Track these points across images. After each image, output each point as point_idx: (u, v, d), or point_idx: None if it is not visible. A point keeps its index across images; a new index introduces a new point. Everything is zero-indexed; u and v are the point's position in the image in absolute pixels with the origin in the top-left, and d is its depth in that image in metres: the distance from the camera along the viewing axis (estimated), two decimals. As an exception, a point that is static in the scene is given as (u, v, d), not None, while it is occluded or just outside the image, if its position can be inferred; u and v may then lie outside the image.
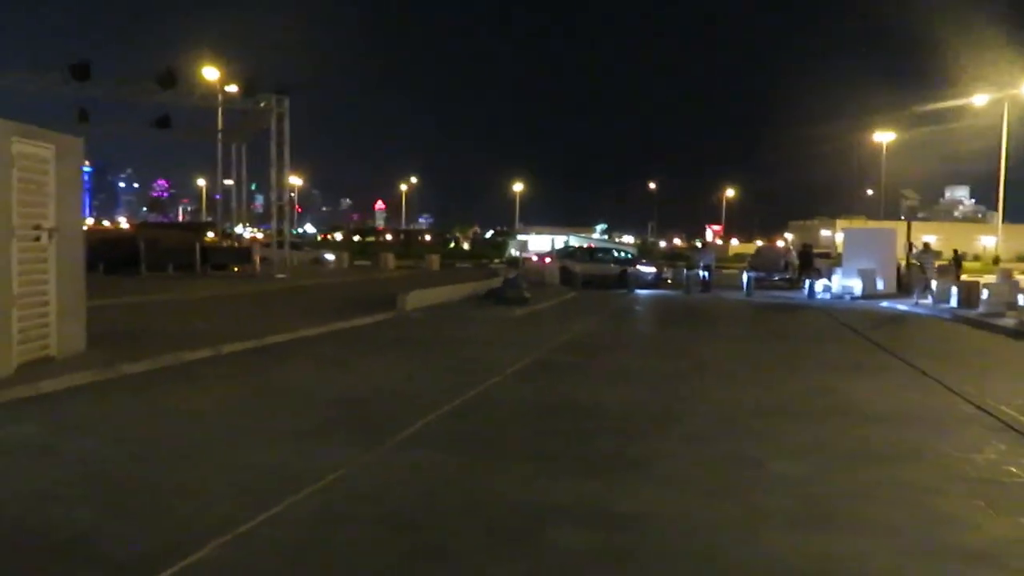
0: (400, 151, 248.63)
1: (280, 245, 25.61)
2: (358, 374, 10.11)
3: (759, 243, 62.44)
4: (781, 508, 5.13)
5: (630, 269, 29.15)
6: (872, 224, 59.49)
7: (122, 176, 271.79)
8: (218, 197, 37.51)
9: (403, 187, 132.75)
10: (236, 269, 24.90)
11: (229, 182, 33.63)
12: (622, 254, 34.09)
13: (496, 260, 48.96)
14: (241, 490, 5.16)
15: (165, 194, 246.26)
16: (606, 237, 75.25)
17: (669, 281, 31.28)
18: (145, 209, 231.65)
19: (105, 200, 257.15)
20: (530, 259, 32.66)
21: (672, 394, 9.30)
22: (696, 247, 67.95)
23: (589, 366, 11.26)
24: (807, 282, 27.25)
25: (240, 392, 8.67)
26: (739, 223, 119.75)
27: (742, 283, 28.46)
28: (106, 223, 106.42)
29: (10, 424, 6.73)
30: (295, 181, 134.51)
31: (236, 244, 25.89)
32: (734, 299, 25.94)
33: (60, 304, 9.23)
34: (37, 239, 8.81)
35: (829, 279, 28.04)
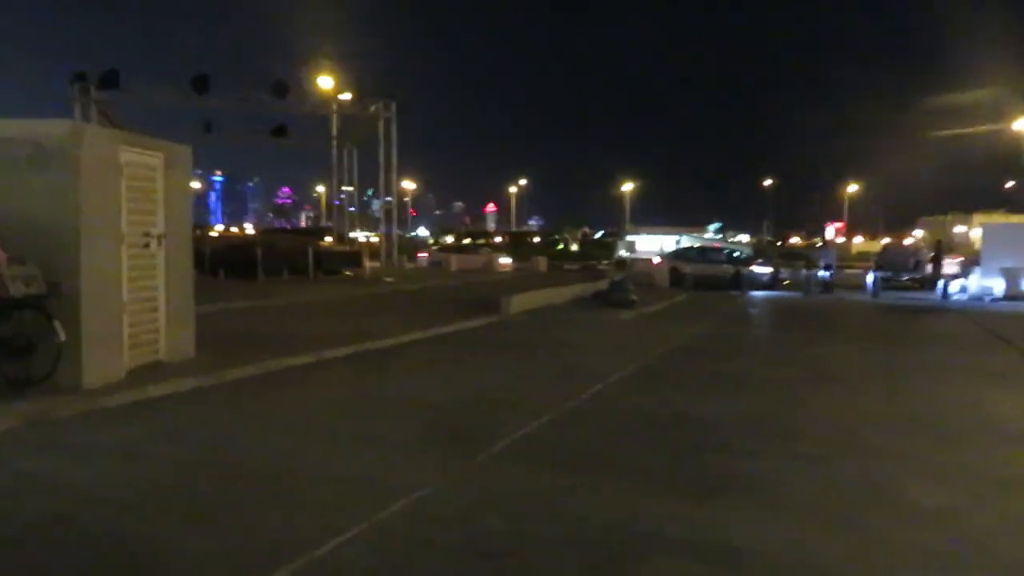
0: (512, 153, 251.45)
1: (388, 248, 25.96)
2: (457, 381, 9.87)
3: (885, 240, 58.90)
4: (920, 545, 4.46)
5: (744, 270, 27.91)
6: (1015, 219, 54.99)
7: (250, 184, 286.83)
8: (336, 202, 38.57)
9: (512, 189, 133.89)
10: (348, 273, 25.39)
11: (348, 188, 34.55)
12: (736, 254, 32.75)
13: (604, 262, 48.22)
14: (323, 507, 4.95)
15: (289, 201, 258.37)
16: (720, 236, 72.88)
17: (787, 282, 29.78)
18: (271, 215, 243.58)
19: (235, 208, 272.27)
20: (638, 260, 31.90)
21: (790, 406, 8.58)
22: (816, 246, 64.92)
23: (698, 374, 10.62)
24: (941, 282, 25.29)
25: (338, 398, 8.58)
26: (863, 220, 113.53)
27: (867, 284, 26.74)
28: (234, 229, 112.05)
29: (112, 429, 6.82)
30: (408, 185, 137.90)
31: (347, 248, 26.36)
32: (859, 301, 24.38)
33: (169, 310, 9.43)
34: (146, 245, 9.02)
35: (966, 278, 25.93)
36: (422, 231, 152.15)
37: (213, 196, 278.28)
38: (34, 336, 7.43)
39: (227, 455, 6.16)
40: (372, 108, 23.97)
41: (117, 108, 23.46)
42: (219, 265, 23.50)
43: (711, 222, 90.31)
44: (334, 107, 24.59)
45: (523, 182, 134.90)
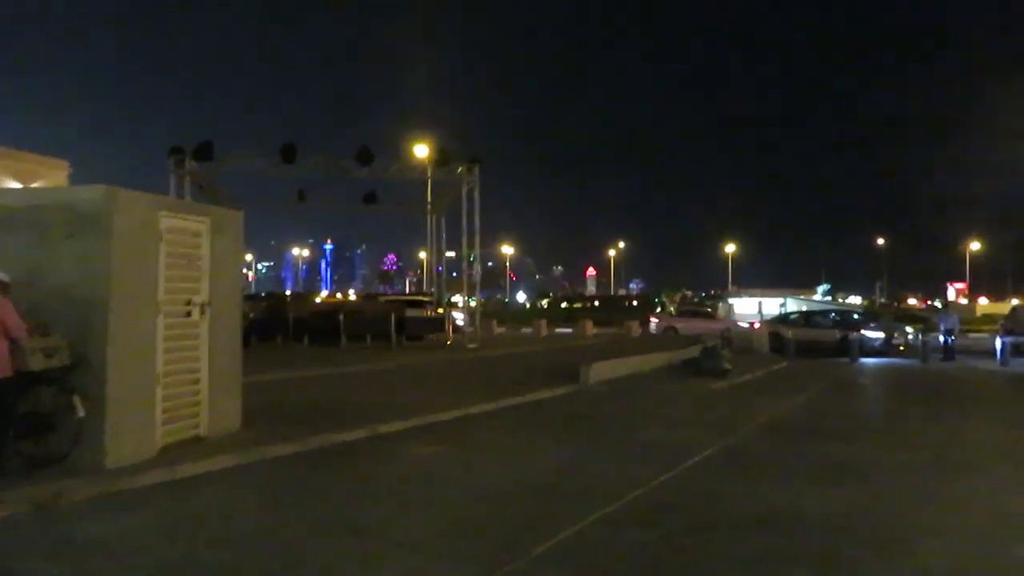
0: (614, 216, 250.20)
1: (471, 314, 25.35)
2: (516, 460, 8.88)
3: (1015, 302, 54.38)
4: None
5: (852, 334, 25.76)
6: None
7: (358, 252, 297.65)
8: (439, 269, 38.74)
9: (611, 252, 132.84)
10: (433, 338, 24.88)
11: (451, 254, 34.58)
12: (847, 317, 30.44)
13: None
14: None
15: (394, 267, 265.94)
16: (829, 298, 69.17)
17: (902, 348, 27.34)
18: (377, 281, 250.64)
19: (343, 274, 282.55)
20: (738, 325, 30.11)
21: (902, 501, 7.16)
22: (936, 308, 60.63)
23: (792, 457, 9.23)
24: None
25: (378, 482, 7.74)
26: (988, 279, 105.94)
27: (995, 349, 24.13)
28: (339, 296, 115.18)
29: (115, 517, 6.19)
30: (507, 250, 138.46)
31: (430, 313, 25.95)
32: (985, 369, 21.94)
33: (212, 381, 8.92)
34: (188, 314, 8.57)
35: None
36: (520, 296, 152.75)
37: (324, 263, 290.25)
38: (53, 412, 6.98)
39: (226, 554, 5.38)
40: (458, 171, 23.71)
41: (214, 178, 24.17)
42: (304, 331, 23.51)
43: (819, 283, 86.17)
44: (427, 172, 24.41)
45: (622, 245, 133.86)
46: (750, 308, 33.78)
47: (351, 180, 25.82)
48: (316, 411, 11.45)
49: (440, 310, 27.11)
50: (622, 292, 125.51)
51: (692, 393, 15.28)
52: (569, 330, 38.85)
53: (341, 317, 23.15)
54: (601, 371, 16.41)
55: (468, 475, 8.02)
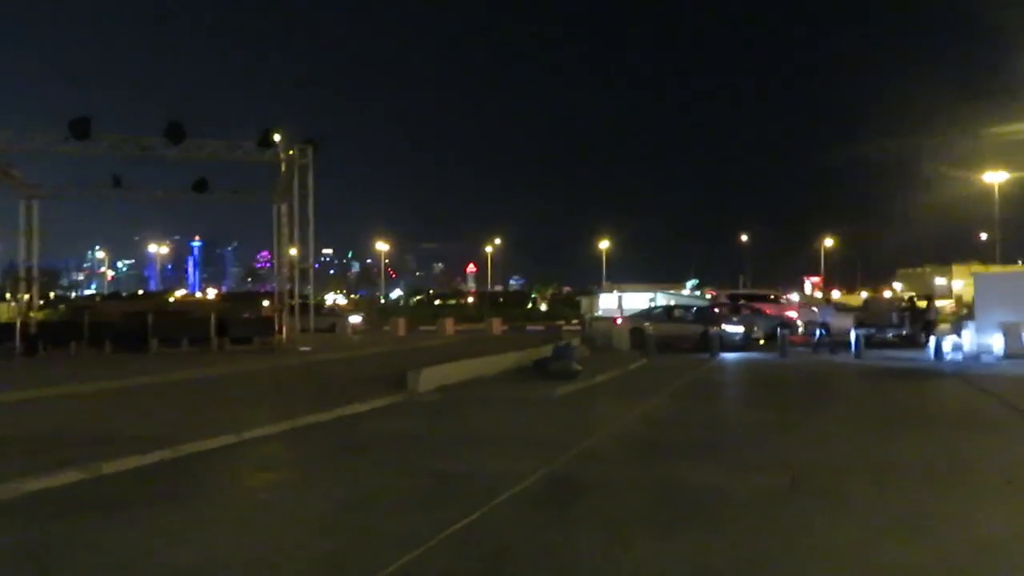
0: (494, 213, 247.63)
1: (294, 311, 22.54)
2: (260, 517, 6.55)
3: (865, 295, 56.39)
4: None
5: (713, 329, 24.78)
6: (994, 269, 52.54)
7: (229, 249, 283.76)
8: (316, 266, 35.40)
9: (488, 249, 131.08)
10: (267, 343, 21.95)
11: (328, 251, 31.38)
12: (708, 312, 29.64)
13: (574, 321, 45.09)
14: None
15: (268, 264, 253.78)
16: (698, 293, 70.04)
17: (762, 342, 26.67)
18: (250, 280, 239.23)
19: (213, 272, 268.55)
20: (600, 321, 28.74)
21: (755, 549, 5.32)
22: (786, 301, 61.92)
23: (627, 487, 7.35)
24: (932, 339, 22.30)
25: (43, 550, 5.24)
26: (840, 274, 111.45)
27: (850, 342, 23.69)
28: (199, 295, 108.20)
29: None
30: (382, 246, 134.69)
31: (257, 315, 23.02)
32: (841, 363, 21.28)
33: None
34: None
35: (958, 335, 22.94)
36: (397, 293, 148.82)
37: (191, 261, 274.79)
38: None
39: None
40: (289, 152, 20.91)
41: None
42: (108, 336, 20.16)
43: (688, 279, 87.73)
44: (251, 153, 21.08)
45: (498, 241, 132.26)
46: (613, 304, 32.56)
47: (187, 165, 22.60)
48: (49, 441, 8.73)
49: (266, 310, 24.07)
50: (498, 288, 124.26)
51: (532, 400, 13.35)
52: (432, 328, 36.51)
53: (150, 319, 19.95)
54: (436, 376, 14.27)
55: (168, 547, 5.62)
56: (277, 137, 21.09)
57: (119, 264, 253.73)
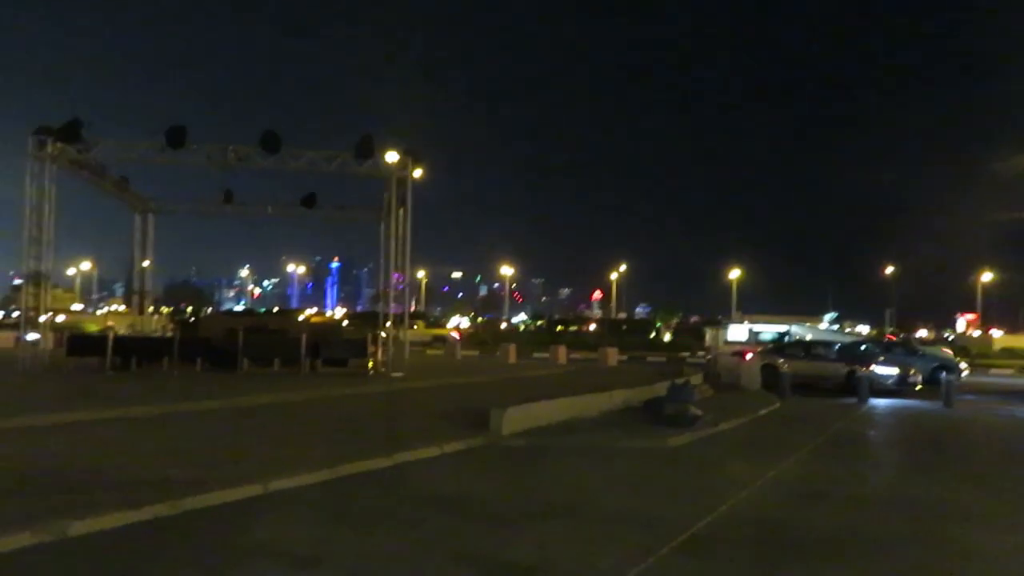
0: (625, 239, 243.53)
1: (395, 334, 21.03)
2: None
3: (1037, 335, 49.67)
4: None
5: (861, 370, 21.39)
6: None
7: (364, 270, 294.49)
8: (445, 289, 34.46)
9: (614, 275, 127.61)
10: (370, 365, 20.63)
11: (457, 273, 30.47)
12: (853, 349, 26.01)
13: (699, 353, 41.82)
14: None
15: (401, 286, 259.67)
16: (836, 327, 64.49)
17: (919, 387, 22.90)
18: (380, 301, 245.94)
19: (350, 292, 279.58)
20: (727, 355, 25.76)
21: None
22: (947, 339, 55.69)
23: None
24: None
25: None
26: (1000, 309, 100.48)
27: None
28: (329, 314, 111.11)
29: None
30: (507, 271, 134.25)
31: (353, 337, 21.75)
32: (1020, 416, 17.52)
33: None
34: None
35: None
36: (521, 317, 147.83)
37: (329, 281, 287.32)
38: None
39: None
40: (389, 163, 19.56)
41: (93, 162, 20.18)
42: (200, 353, 19.39)
43: (826, 311, 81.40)
44: (351, 166, 19.87)
45: (623, 268, 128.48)
46: (742, 335, 29.39)
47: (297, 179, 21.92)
48: (22, 483, 7.29)
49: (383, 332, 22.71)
50: (622, 315, 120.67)
51: (636, 454, 10.96)
52: (546, 355, 34.46)
53: (240, 337, 19.00)
54: (524, 417, 12.17)
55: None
56: (394, 155, 19.87)
57: (265, 283, 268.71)
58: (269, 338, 19.84)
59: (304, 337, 19.15)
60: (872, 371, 21.94)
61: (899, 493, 9.25)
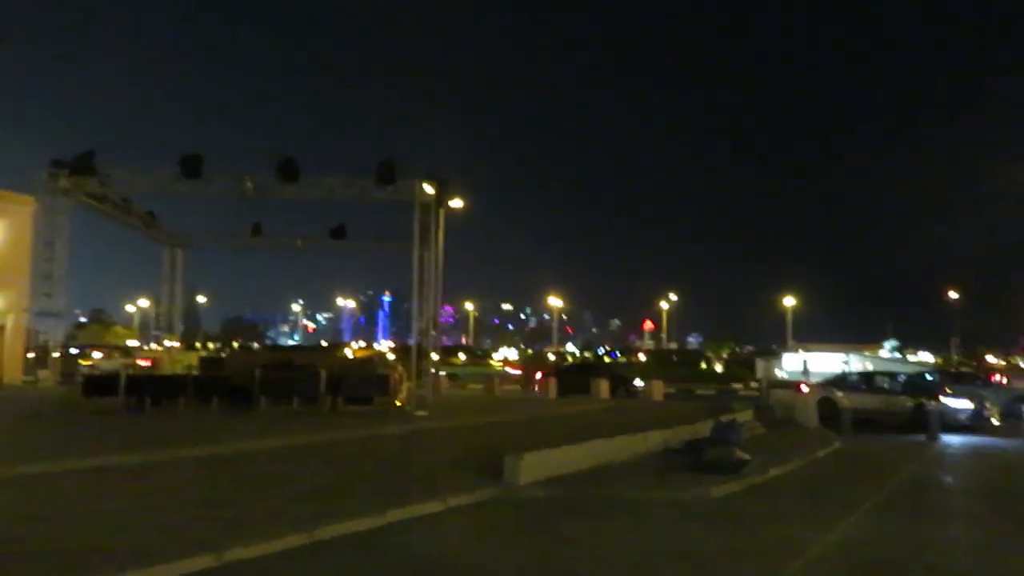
0: (676, 268, 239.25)
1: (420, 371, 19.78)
2: None
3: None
4: None
5: (930, 404, 19.34)
6: None
7: (413, 303, 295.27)
8: (496, 322, 33.49)
9: (664, 304, 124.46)
10: (399, 403, 19.42)
11: (507, 306, 29.43)
12: (918, 379, 23.83)
13: (752, 384, 39.65)
14: None
15: (451, 319, 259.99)
16: (898, 356, 61.02)
17: (997, 422, 20.67)
18: (434, 334, 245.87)
19: (400, 327, 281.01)
20: (781, 387, 23.85)
21: None
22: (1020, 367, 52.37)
23: None
24: None
25: None
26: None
27: None
28: (375, 347, 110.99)
29: None
30: (555, 302, 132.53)
31: (376, 373, 20.49)
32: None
33: None
34: None
35: None
36: (568, 347, 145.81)
37: (381, 315, 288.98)
38: None
39: None
40: (414, 190, 18.50)
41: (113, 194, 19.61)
42: (217, 392, 18.40)
43: (886, 339, 77.47)
44: (371, 191, 18.84)
45: (674, 297, 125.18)
46: (797, 366, 27.37)
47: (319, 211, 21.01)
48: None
49: (398, 367, 21.53)
50: (671, 346, 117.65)
51: (671, 508, 9.41)
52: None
53: (257, 374, 17.97)
54: (546, 463, 10.74)
55: None
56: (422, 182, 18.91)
57: (319, 316, 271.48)
58: (289, 375, 18.74)
59: (323, 373, 18.02)
60: (942, 404, 19.85)
61: (994, 563, 7.53)
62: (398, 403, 19.15)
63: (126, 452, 11.27)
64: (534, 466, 10.44)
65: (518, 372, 44.51)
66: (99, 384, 19.00)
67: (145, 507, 8.18)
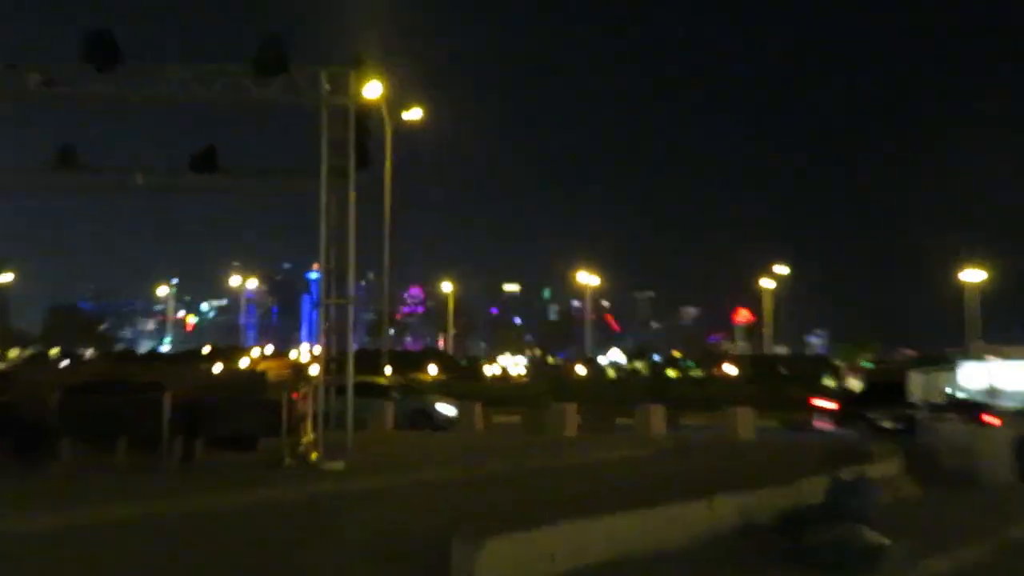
0: (787, 232, 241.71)
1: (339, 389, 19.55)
2: None
3: None
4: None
5: None
6: None
7: (362, 284, 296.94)
8: (495, 311, 33.66)
9: (768, 283, 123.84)
10: (302, 448, 19.29)
11: (512, 287, 29.52)
12: None
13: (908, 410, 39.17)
14: None
15: (420, 308, 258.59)
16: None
17: None
18: (392, 332, 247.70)
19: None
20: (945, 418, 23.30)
21: None
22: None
23: None
24: None
25: None
26: None
27: None
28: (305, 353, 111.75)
29: None
30: (588, 279, 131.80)
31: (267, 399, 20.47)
32: None
33: None
34: None
35: None
36: (613, 353, 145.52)
37: (307, 303, 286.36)
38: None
39: None
40: (322, 86, 18.31)
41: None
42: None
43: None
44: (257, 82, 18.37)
45: (783, 272, 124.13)
46: (982, 382, 26.85)
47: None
48: None
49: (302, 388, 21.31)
50: (779, 351, 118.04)
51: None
52: (631, 421, 32.53)
53: (56, 401, 17.92)
54: (528, 554, 10.18)
55: None
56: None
57: (204, 307, 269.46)
58: (111, 403, 18.63)
59: (166, 400, 17.67)
60: None
61: None
62: (301, 449, 18.97)
63: None
64: (505, 561, 9.76)
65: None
66: None
67: None
